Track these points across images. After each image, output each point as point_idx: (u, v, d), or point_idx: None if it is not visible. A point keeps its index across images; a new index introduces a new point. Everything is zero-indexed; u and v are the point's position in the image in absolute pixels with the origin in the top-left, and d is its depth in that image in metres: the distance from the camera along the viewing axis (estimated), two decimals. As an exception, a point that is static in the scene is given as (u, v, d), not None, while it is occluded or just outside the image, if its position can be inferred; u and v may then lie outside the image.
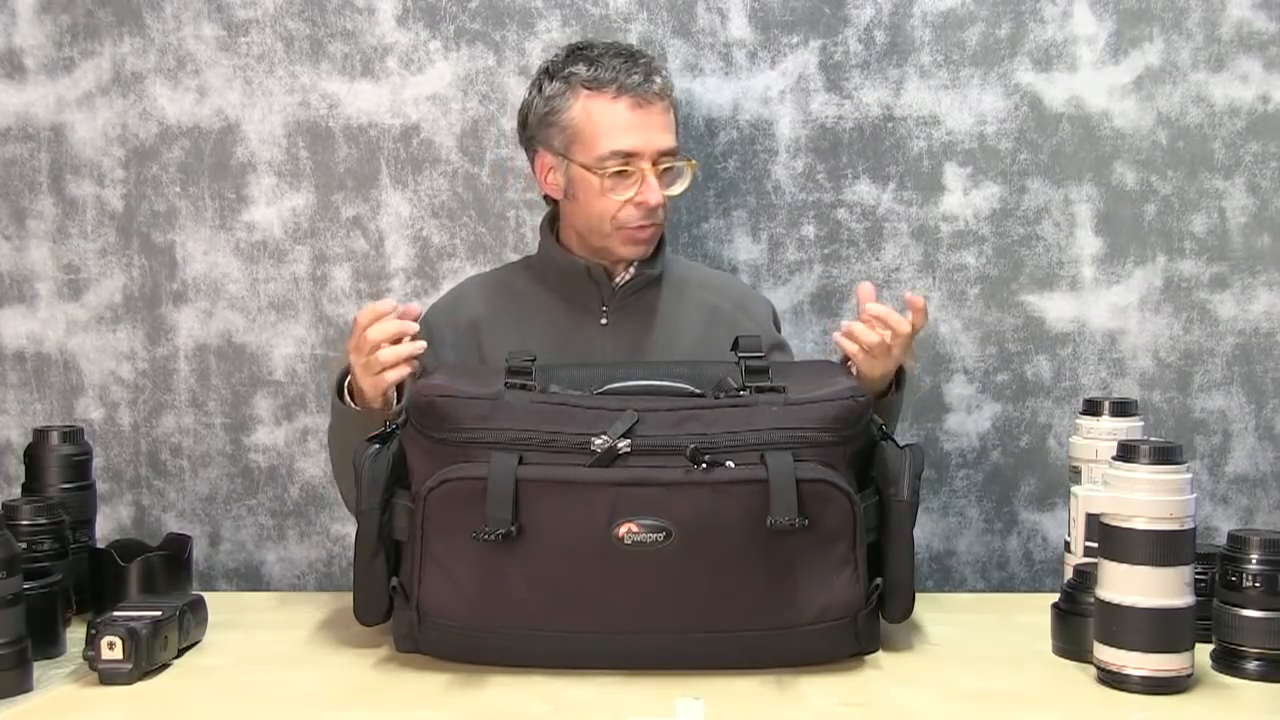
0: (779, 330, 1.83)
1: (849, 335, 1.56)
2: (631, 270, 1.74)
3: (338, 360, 1.74)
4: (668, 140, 1.67)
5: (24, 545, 1.42)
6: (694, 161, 1.75)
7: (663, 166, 1.67)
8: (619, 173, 1.65)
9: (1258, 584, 1.34)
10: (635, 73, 1.65)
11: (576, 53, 1.69)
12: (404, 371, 1.49)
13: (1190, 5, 1.97)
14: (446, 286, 1.98)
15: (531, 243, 1.99)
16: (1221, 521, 1.97)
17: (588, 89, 1.66)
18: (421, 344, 1.50)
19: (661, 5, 1.99)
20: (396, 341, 1.49)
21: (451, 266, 2.01)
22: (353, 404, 1.55)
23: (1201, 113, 1.98)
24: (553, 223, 1.77)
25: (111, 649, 1.31)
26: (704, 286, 1.78)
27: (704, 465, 1.32)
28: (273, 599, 1.77)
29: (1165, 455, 1.30)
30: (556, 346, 1.67)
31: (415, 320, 1.51)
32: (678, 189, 1.70)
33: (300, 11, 2.00)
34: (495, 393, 1.38)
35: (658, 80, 1.67)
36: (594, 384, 1.44)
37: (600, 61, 1.66)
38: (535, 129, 1.71)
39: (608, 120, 1.65)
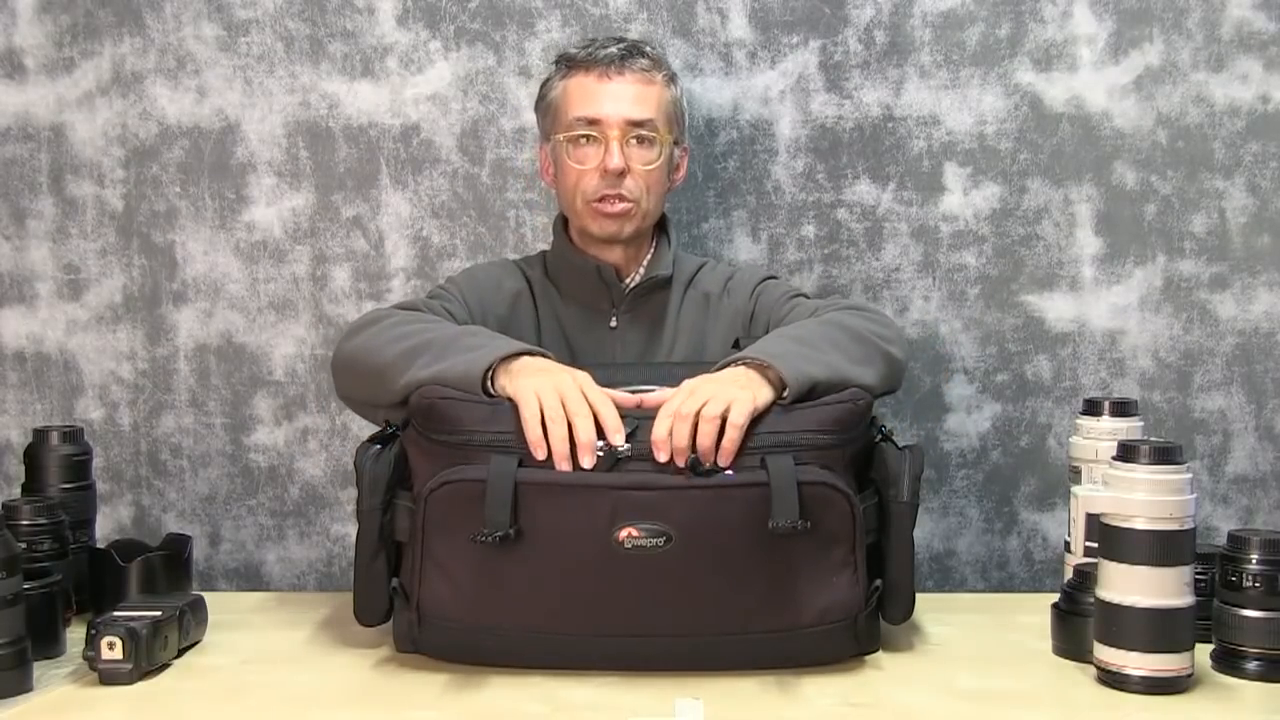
0: (774, 278, 1.77)
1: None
2: (641, 271, 1.74)
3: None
4: (637, 111, 1.67)
5: (24, 545, 1.42)
6: (686, 146, 1.78)
7: (633, 136, 1.67)
8: (585, 138, 1.67)
9: (1258, 584, 1.34)
10: (612, 49, 1.69)
11: (581, 45, 1.74)
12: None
13: (1190, 5, 1.97)
14: (446, 286, 1.98)
15: (532, 243, 1.99)
16: (1221, 521, 1.97)
17: (569, 69, 1.71)
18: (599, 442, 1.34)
19: (661, 5, 1.99)
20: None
21: (451, 266, 2.01)
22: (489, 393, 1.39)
23: (1201, 113, 1.98)
24: (566, 224, 1.77)
25: (111, 649, 1.31)
26: (710, 282, 1.77)
27: (703, 474, 1.31)
28: (273, 599, 1.76)
29: (1165, 455, 1.30)
30: (567, 347, 1.67)
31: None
32: (644, 161, 1.67)
33: (300, 11, 2.00)
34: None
35: (640, 60, 1.68)
36: (595, 386, 1.43)
37: (591, 44, 1.72)
38: (538, 121, 1.78)
39: (578, 92, 1.69)
